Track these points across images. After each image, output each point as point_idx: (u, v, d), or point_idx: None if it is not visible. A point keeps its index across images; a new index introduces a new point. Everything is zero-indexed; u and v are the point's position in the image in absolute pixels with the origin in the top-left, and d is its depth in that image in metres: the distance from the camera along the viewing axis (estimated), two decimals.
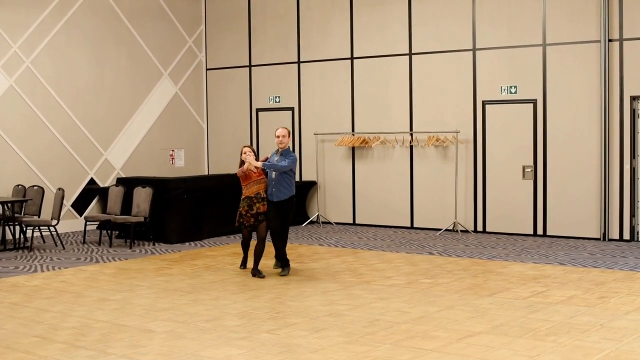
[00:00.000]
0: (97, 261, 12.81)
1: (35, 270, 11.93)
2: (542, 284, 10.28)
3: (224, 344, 7.59)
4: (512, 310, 8.81)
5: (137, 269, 12.04)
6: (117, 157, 17.58)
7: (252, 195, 11.02)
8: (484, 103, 15.47)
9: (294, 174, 11.27)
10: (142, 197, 14.53)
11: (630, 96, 14.01)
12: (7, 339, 7.88)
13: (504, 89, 15.25)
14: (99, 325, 8.43)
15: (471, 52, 15.59)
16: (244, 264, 11.81)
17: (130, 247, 14.16)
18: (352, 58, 17.09)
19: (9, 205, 14.13)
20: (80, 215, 16.65)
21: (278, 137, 11.10)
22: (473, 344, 7.41)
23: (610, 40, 14.09)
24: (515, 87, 15.12)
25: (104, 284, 10.77)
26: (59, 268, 12.13)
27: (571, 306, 8.95)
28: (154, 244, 14.59)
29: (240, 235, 11.81)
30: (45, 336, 7.99)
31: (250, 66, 18.72)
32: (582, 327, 8.00)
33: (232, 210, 15.61)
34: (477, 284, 10.44)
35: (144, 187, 14.62)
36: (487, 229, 15.51)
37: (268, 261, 11.94)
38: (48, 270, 11.98)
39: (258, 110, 18.65)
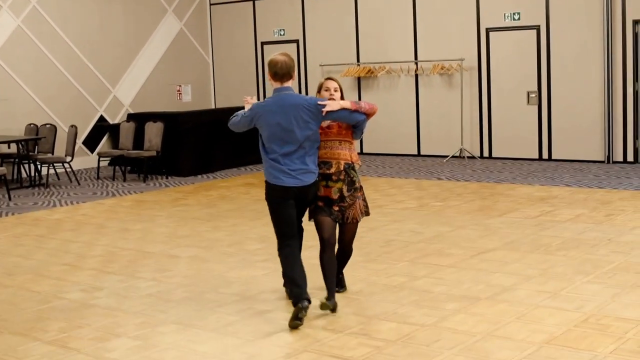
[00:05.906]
0: (114, 195, 13.10)
1: (55, 205, 12.22)
2: (550, 204, 10.56)
3: (248, 266, 7.90)
4: (522, 228, 9.11)
5: (153, 200, 12.32)
6: (126, 93, 17.73)
7: None
8: (487, 30, 15.56)
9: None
10: (154, 132, 14.74)
11: (633, 20, 14.09)
12: (39, 268, 8.20)
13: (508, 16, 15.32)
14: (125, 252, 8.74)
15: None
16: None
17: (144, 181, 14.43)
18: None
19: (23, 143, 14.35)
20: (92, 153, 16.89)
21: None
22: (487, 259, 7.72)
23: None
24: (518, 13, 15.20)
25: (123, 216, 11.07)
26: (77, 202, 12.42)
27: (579, 223, 9.25)
28: (167, 178, 14.85)
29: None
30: (75, 264, 8.31)
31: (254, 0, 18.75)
32: (591, 242, 8.30)
33: (242, 143, 15.99)
34: (487, 205, 10.73)
35: (155, 122, 14.82)
36: (493, 155, 15.73)
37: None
38: (67, 204, 12.27)
39: (263, 43, 18.74)
